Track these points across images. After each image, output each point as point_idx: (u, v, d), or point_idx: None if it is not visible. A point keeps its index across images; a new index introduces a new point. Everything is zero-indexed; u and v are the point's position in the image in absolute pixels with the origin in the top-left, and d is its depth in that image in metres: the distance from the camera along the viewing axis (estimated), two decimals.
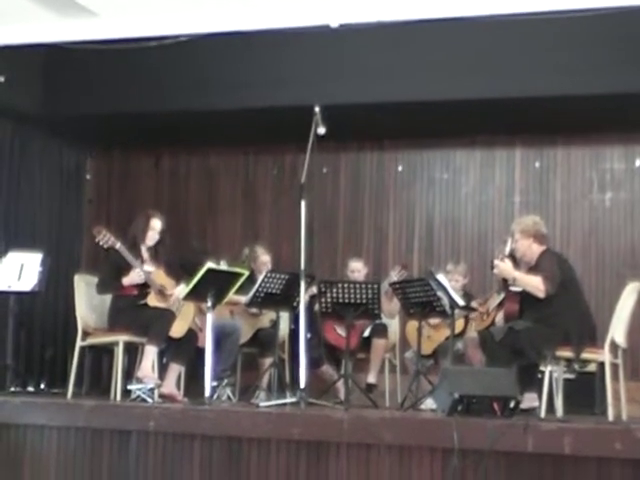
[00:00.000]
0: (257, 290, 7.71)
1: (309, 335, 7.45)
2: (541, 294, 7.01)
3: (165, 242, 7.87)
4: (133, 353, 8.01)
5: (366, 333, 8.50)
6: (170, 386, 7.53)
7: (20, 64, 9.19)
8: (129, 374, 7.78)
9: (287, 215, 9.87)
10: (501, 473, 5.74)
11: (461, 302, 7.60)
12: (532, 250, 7.27)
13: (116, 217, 10.59)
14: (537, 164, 9.86)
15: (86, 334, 7.72)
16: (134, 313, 7.50)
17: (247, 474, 6.22)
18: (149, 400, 7.18)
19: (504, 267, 7.21)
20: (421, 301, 7.61)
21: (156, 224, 7.80)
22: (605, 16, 7.90)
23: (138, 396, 7.22)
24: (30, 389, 8.79)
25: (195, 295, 7.26)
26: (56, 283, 9.49)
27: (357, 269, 8.74)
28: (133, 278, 7.54)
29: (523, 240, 7.28)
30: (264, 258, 8.72)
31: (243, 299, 8.01)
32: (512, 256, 7.32)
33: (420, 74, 8.65)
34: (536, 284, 7.02)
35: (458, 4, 8.21)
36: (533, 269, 7.23)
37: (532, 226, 7.31)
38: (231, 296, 7.51)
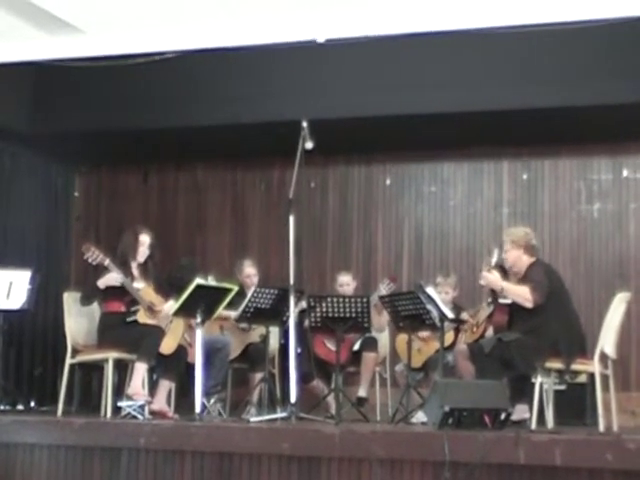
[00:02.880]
0: (246, 305, 7.71)
1: (299, 350, 7.44)
2: (529, 304, 7.03)
3: (154, 256, 7.87)
4: (123, 370, 8.00)
5: (356, 347, 8.50)
6: (160, 402, 7.52)
7: (8, 82, 9.18)
8: (119, 391, 7.78)
9: (276, 230, 9.88)
10: None
11: (450, 315, 7.61)
12: (522, 261, 7.30)
13: (105, 234, 10.57)
14: (525, 176, 9.88)
15: (75, 351, 7.71)
16: (123, 330, 7.49)
17: None
18: (139, 417, 7.16)
19: (491, 278, 7.23)
20: (410, 314, 7.62)
21: (145, 239, 7.81)
22: (591, 28, 7.93)
23: (128, 413, 7.20)
24: (20, 407, 8.73)
25: (184, 311, 7.25)
26: (45, 301, 9.47)
27: (346, 283, 8.74)
28: (108, 280, 7.49)
29: (513, 250, 7.30)
30: (248, 270, 8.72)
31: (233, 314, 8.01)
32: (499, 266, 7.34)
33: (407, 88, 8.67)
34: (523, 294, 7.04)
35: (444, 18, 8.22)
36: (522, 280, 7.25)
37: (523, 237, 7.33)
38: (221, 311, 7.50)
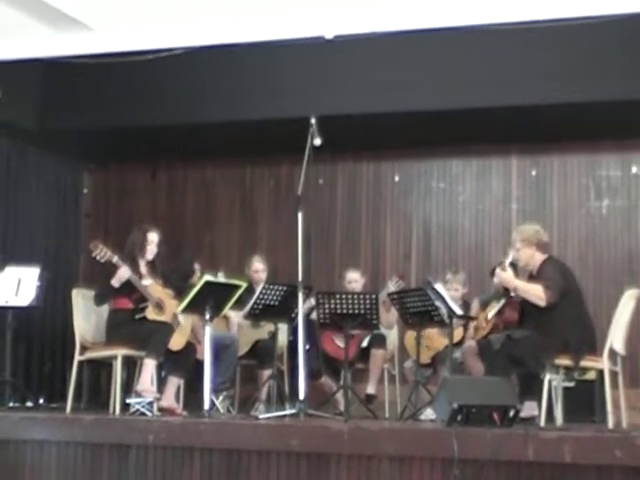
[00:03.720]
0: (255, 302, 7.70)
1: (308, 346, 7.43)
2: (542, 303, 6.98)
3: (161, 253, 7.87)
4: (132, 367, 8.01)
5: (364, 343, 8.49)
6: (169, 399, 7.52)
7: (17, 79, 9.19)
8: (128, 388, 7.77)
9: (284, 227, 9.89)
10: None
11: (459, 311, 7.60)
12: (535, 259, 7.27)
13: (113, 231, 10.57)
14: (533, 172, 9.87)
15: (84, 348, 7.70)
16: (132, 327, 7.48)
17: None
18: (148, 414, 7.17)
19: (505, 276, 7.21)
20: (419, 311, 7.61)
21: (153, 237, 7.81)
22: (599, 24, 7.92)
23: (137, 410, 7.21)
24: (29, 404, 8.75)
25: (193, 308, 7.26)
26: (54, 298, 9.47)
27: (354, 279, 8.73)
28: (120, 277, 7.47)
29: (525, 249, 7.27)
30: (257, 265, 8.75)
31: (232, 314, 8.04)
32: (513, 265, 7.32)
33: (415, 84, 8.66)
34: (537, 293, 7.00)
35: (452, 14, 8.22)
36: (535, 278, 7.22)
37: (534, 235, 7.30)
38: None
